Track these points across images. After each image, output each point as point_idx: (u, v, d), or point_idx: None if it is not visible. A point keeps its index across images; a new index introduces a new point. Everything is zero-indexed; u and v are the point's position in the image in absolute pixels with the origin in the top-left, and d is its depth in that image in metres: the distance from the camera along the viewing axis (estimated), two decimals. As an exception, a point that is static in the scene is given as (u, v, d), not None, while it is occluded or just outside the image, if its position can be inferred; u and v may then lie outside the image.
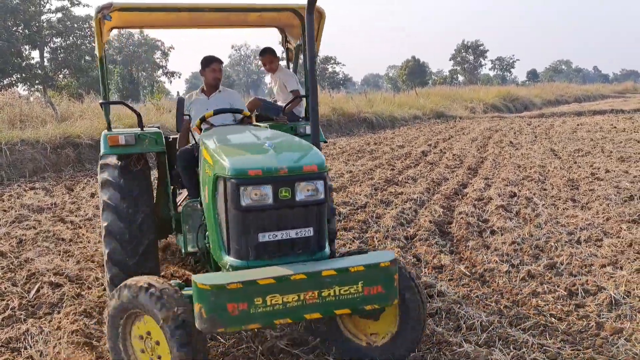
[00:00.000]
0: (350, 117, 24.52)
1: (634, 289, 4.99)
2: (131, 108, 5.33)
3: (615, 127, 21.62)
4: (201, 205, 4.36)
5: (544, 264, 5.79)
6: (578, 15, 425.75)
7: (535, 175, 11.17)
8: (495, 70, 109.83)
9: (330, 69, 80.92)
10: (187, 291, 3.38)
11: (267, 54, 6.84)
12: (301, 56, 6.34)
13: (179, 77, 73.05)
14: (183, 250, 4.81)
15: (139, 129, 5.01)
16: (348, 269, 3.26)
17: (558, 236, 6.74)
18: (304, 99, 6.18)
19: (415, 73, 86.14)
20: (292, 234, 3.48)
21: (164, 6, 4.95)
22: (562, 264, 5.80)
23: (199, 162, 4.32)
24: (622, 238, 6.57)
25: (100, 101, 5.26)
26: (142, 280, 3.34)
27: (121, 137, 4.74)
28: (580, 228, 7.04)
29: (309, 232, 3.52)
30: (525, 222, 7.58)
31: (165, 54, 67.81)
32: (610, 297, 4.81)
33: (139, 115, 5.06)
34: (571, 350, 4.02)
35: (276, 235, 3.45)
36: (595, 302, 4.83)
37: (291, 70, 6.91)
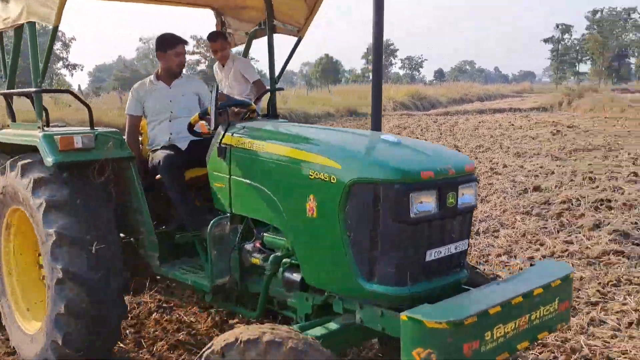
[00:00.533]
0: (263, 112, 24.46)
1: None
2: (80, 99, 4.09)
3: (513, 125, 23.00)
4: (230, 222, 3.45)
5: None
6: (480, 17, 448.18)
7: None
8: (405, 69, 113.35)
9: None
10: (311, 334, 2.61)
11: (219, 39, 5.60)
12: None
13: (81, 70, 69.77)
14: (208, 284, 3.51)
15: (88, 128, 3.82)
16: (550, 284, 2.69)
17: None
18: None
19: (329, 71, 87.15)
20: (453, 248, 2.82)
21: None
22: (462, 254, 6.14)
23: (248, 168, 3.29)
24: (517, 229, 7.04)
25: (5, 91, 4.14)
26: (256, 331, 2.39)
27: (77, 137, 3.54)
28: (480, 220, 7.46)
29: (464, 245, 2.90)
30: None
31: (66, 45, 64.49)
32: (504, 284, 5.14)
33: (89, 109, 3.82)
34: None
35: (440, 252, 2.77)
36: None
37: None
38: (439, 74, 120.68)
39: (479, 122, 24.94)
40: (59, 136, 3.52)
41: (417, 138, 18.45)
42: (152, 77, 4.50)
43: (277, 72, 4.92)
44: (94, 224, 3.45)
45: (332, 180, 2.75)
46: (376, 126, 4.45)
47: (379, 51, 4.04)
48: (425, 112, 34.60)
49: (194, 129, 3.75)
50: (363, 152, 2.92)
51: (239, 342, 2.34)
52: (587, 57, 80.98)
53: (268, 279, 3.21)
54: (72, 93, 4.36)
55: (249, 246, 3.36)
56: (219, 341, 2.43)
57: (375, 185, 2.63)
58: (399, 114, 32.03)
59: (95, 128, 3.75)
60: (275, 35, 4.82)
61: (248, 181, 3.28)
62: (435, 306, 2.44)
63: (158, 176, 3.99)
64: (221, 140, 3.41)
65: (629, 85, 65.95)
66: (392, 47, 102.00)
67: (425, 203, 2.63)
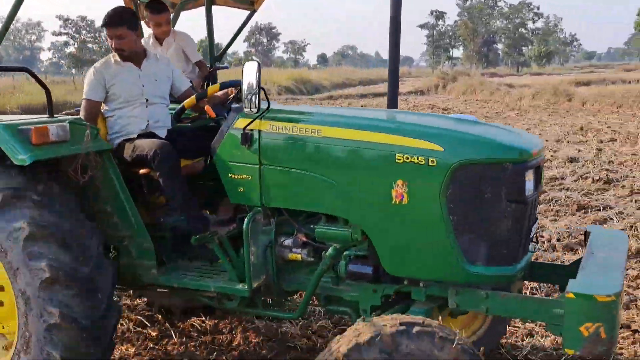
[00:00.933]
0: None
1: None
2: (38, 79, 3.33)
3: (393, 108, 23.86)
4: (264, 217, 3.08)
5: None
6: (362, 2, 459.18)
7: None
8: (288, 53, 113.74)
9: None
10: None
11: (164, 11, 4.50)
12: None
13: None
14: (246, 287, 3.05)
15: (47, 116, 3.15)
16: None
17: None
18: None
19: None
20: (532, 230, 2.85)
21: None
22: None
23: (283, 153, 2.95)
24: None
25: None
26: (395, 321, 2.28)
27: (51, 128, 2.89)
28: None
29: (536, 227, 2.94)
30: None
31: None
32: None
33: (48, 91, 3.18)
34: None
35: (536, 229, 2.86)
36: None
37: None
38: (322, 59, 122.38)
39: (361, 106, 25.62)
40: (32, 126, 2.82)
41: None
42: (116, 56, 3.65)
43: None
44: (83, 253, 2.86)
45: (430, 163, 2.60)
46: (393, 106, 4.54)
47: (397, 32, 4.04)
48: (310, 96, 34.98)
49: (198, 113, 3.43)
50: (463, 133, 2.74)
51: (388, 335, 2.20)
52: (460, 43, 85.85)
53: (319, 274, 2.95)
54: (29, 71, 3.31)
55: (288, 241, 3.08)
56: (351, 339, 2.23)
57: (486, 166, 2.56)
58: (283, 98, 32.10)
59: (55, 115, 3.16)
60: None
61: (293, 169, 2.94)
62: (584, 282, 2.43)
63: (143, 170, 3.39)
64: (247, 125, 2.96)
65: (497, 70, 70.96)
66: (274, 30, 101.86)
67: (529, 182, 2.62)
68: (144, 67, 3.68)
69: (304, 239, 3.06)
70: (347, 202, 2.82)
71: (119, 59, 3.64)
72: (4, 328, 3.06)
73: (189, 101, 3.29)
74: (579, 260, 2.77)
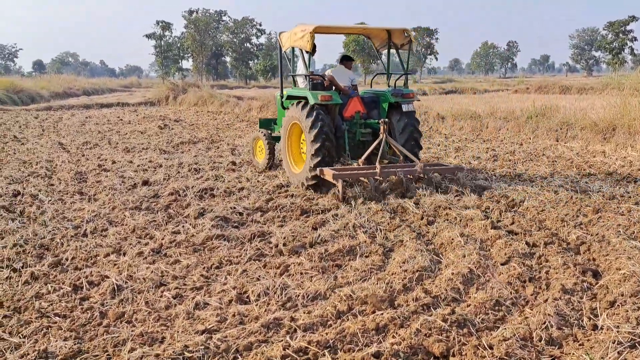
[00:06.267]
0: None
1: (135, 272, 5.31)
2: None
3: (121, 120, 22.79)
4: None
5: (48, 263, 5.57)
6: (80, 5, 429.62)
7: (42, 170, 10.71)
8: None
9: None
10: None
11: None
12: None
13: None
14: None
15: None
16: None
17: (64, 231, 6.62)
18: None
19: None
20: None
21: None
22: (67, 260, 5.70)
23: None
24: (126, 225, 6.93)
25: None
26: None
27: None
28: (87, 220, 7.09)
29: None
30: (30, 221, 7.14)
31: None
32: (114, 285, 4.98)
33: None
34: (76, 345, 3.95)
35: None
36: (99, 291, 4.92)
37: None
38: (39, 66, 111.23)
39: (86, 118, 23.92)
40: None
41: (15, 136, 16.58)
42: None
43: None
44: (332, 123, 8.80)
45: None
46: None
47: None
48: (24, 106, 31.38)
49: None
50: None
51: None
52: (189, 55, 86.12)
53: None
54: None
55: None
56: None
57: None
58: (-9, 109, 28.19)
59: None
60: None
61: None
62: None
63: None
64: None
65: (227, 82, 73.06)
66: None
67: None
68: None
69: None
70: None
71: None
72: None
73: None
74: None
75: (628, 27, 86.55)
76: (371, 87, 10.82)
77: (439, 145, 14.25)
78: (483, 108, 20.20)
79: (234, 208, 7.64)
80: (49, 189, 9.13)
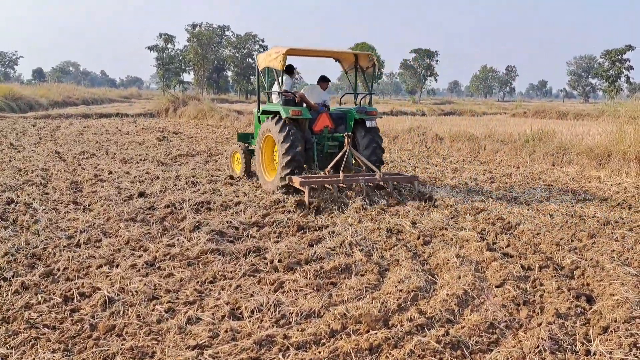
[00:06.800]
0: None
1: (127, 285, 5.25)
2: None
3: (120, 130, 22.79)
4: None
5: (39, 273, 5.51)
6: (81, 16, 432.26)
7: (37, 179, 10.67)
8: None
9: None
10: None
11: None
12: None
13: None
14: None
15: None
16: None
17: (57, 241, 6.56)
18: None
19: None
20: None
21: None
22: (59, 270, 5.65)
23: None
24: (120, 236, 6.88)
25: None
26: None
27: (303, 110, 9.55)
28: (81, 231, 7.04)
29: None
30: (22, 229, 7.09)
31: None
32: (105, 297, 4.92)
33: None
34: (64, 357, 3.90)
35: None
36: (90, 303, 4.87)
37: None
38: (39, 74, 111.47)
39: (84, 127, 23.93)
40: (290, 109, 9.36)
41: (12, 144, 16.54)
42: None
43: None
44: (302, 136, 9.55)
45: None
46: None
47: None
48: (23, 114, 31.38)
49: None
50: None
51: None
52: (190, 68, 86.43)
53: None
54: None
55: None
56: None
57: None
58: (-10, 115, 28.18)
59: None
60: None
61: None
62: None
63: None
64: None
65: (227, 96, 73.25)
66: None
67: None
68: None
69: None
70: None
71: None
72: None
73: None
74: None
75: (624, 56, 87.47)
76: (339, 104, 11.98)
77: (436, 166, 14.29)
78: (481, 130, 20.33)
79: (230, 222, 7.60)
80: (44, 197, 9.09)
